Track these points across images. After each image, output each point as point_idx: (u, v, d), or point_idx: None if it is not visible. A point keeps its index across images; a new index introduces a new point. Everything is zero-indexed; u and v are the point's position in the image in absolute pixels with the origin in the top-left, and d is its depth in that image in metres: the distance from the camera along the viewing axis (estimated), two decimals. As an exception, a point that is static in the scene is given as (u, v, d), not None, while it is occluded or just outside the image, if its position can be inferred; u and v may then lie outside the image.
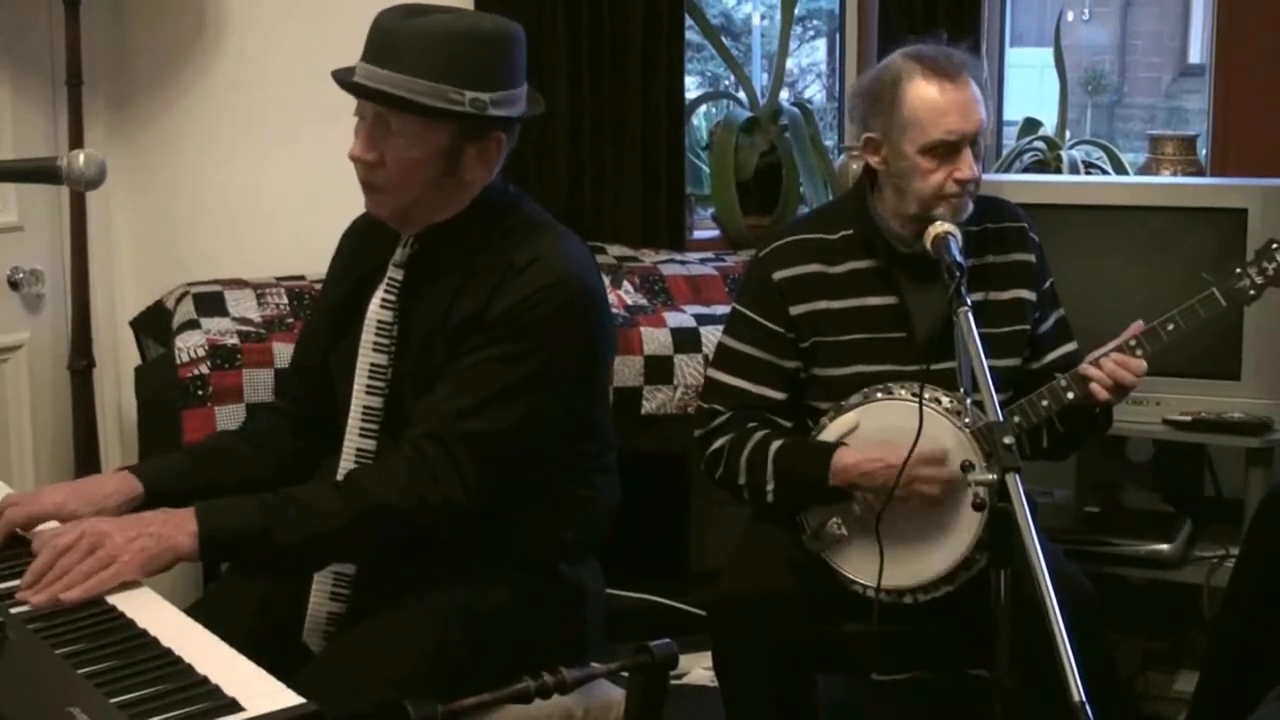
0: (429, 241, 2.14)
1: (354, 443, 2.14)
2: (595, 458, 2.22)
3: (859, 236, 2.59)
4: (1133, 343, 2.48)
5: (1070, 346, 2.68)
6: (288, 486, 2.27)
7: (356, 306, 2.18)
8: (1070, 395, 2.48)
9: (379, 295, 2.15)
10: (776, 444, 2.50)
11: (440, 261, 2.13)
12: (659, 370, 3.33)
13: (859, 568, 2.48)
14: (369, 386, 2.14)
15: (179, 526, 1.91)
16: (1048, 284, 2.69)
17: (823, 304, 2.57)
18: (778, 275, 2.58)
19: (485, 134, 2.07)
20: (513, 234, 2.11)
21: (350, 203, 2.30)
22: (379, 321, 2.14)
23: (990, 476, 1.95)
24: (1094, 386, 2.45)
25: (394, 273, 2.15)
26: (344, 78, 2.07)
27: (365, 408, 2.14)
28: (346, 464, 2.15)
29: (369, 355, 2.14)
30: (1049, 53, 4.27)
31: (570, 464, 2.17)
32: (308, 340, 2.37)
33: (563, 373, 2.07)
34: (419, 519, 2.00)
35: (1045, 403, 2.49)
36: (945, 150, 2.45)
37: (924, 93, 2.46)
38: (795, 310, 2.57)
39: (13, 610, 1.70)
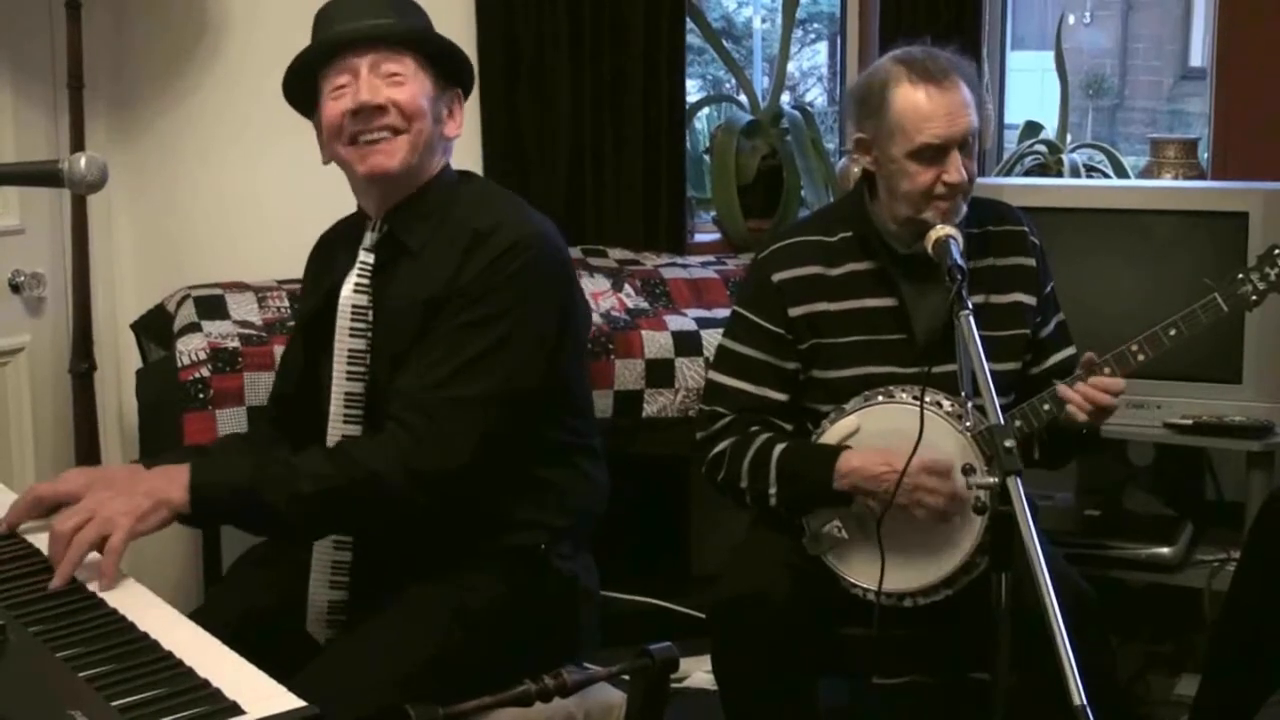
0: (395, 223, 2.17)
1: (338, 429, 2.15)
2: (577, 434, 2.23)
3: (857, 238, 2.59)
4: (1100, 362, 2.46)
5: (1069, 351, 2.68)
6: None
7: (332, 313, 2.19)
8: (1060, 410, 2.48)
9: (351, 282, 2.17)
10: (780, 447, 2.50)
11: (407, 241, 2.16)
12: (660, 373, 3.33)
13: (859, 571, 2.48)
14: (349, 373, 2.15)
15: (172, 480, 1.94)
16: (1049, 288, 2.68)
17: (821, 306, 2.57)
18: (777, 277, 2.59)
19: (451, 88, 2.21)
20: (473, 205, 2.17)
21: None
22: (354, 306, 2.15)
23: (991, 480, 1.95)
24: (1071, 409, 2.45)
25: (365, 257, 2.18)
26: (335, 38, 2.17)
27: (347, 394, 2.15)
28: None
29: (346, 341, 2.16)
30: (1050, 56, 4.26)
31: (552, 439, 2.18)
32: (286, 369, 2.38)
33: (537, 329, 2.10)
34: (408, 490, 2.01)
35: (1047, 406, 2.48)
36: (932, 154, 2.44)
37: (910, 97, 2.45)
38: (794, 312, 2.57)
39: (9, 606, 1.71)
